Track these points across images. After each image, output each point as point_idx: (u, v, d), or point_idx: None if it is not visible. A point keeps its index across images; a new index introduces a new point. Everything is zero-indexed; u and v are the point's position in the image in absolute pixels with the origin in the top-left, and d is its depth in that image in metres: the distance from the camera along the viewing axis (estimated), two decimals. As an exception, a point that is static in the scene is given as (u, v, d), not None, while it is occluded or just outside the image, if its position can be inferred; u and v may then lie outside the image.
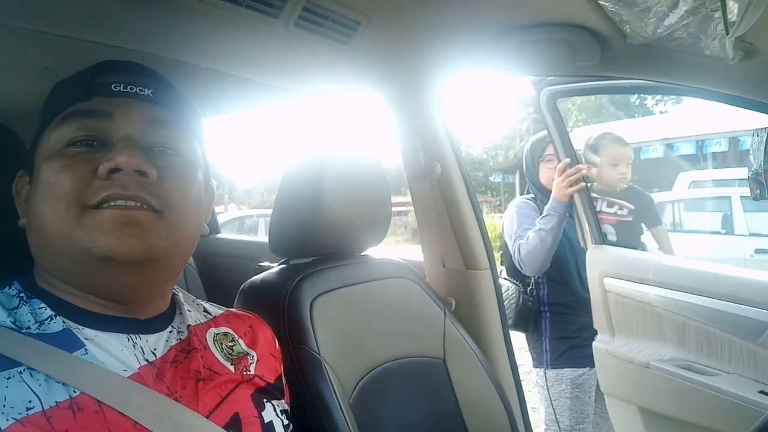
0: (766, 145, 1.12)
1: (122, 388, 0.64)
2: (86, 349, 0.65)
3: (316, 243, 1.29)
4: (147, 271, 0.70)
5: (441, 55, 1.38)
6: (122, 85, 0.73)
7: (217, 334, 0.83)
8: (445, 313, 1.34)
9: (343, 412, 1.10)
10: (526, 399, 1.68)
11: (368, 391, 1.16)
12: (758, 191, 1.17)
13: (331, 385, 1.11)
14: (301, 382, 1.09)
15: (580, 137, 2.39)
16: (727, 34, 0.95)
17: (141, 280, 0.70)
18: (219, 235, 2.61)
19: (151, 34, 1.33)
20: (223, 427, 0.71)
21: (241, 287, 1.27)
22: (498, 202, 25.51)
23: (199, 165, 0.80)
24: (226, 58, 1.41)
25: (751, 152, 1.16)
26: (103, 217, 0.64)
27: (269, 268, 1.35)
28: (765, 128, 1.15)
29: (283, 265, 1.35)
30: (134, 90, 0.74)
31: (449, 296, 1.61)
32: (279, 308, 1.16)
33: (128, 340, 0.70)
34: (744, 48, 1.03)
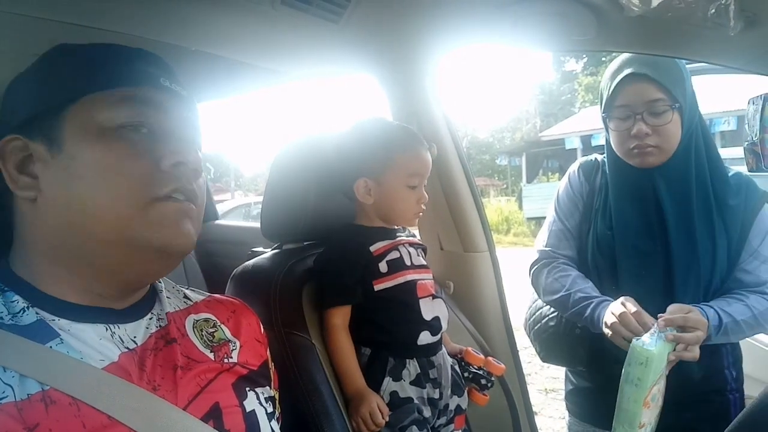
0: (761, 113, 1.08)
1: (96, 381, 0.62)
2: (61, 339, 0.64)
3: (309, 227, 1.27)
4: (177, 262, 0.75)
5: (435, 30, 1.34)
6: (168, 82, 0.75)
7: (197, 321, 0.82)
8: (442, 297, 1.32)
9: (335, 397, 1.09)
10: (529, 383, 1.65)
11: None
12: (754, 162, 1.12)
13: (323, 369, 1.10)
14: (292, 367, 1.08)
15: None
16: (727, 2, 0.91)
17: (166, 269, 0.75)
18: (217, 222, 2.59)
19: (139, 17, 1.30)
20: (203, 417, 0.69)
21: (233, 273, 1.25)
22: (505, 186, 25.46)
23: None
24: (214, 40, 1.38)
25: (746, 121, 1.12)
26: (167, 209, 0.68)
27: (262, 253, 1.34)
28: (761, 95, 1.10)
29: (276, 250, 1.33)
30: (177, 89, 0.76)
31: (447, 279, 1.59)
32: (270, 293, 1.15)
33: (106, 329, 0.68)
34: (745, 18, 0.99)
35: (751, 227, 1.33)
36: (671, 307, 1.22)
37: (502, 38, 1.32)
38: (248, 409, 0.76)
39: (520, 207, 17.20)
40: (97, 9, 1.24)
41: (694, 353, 1.20)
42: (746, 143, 1.13)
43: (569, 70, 28.62)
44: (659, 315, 1.22)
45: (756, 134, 1.08)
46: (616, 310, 1.26)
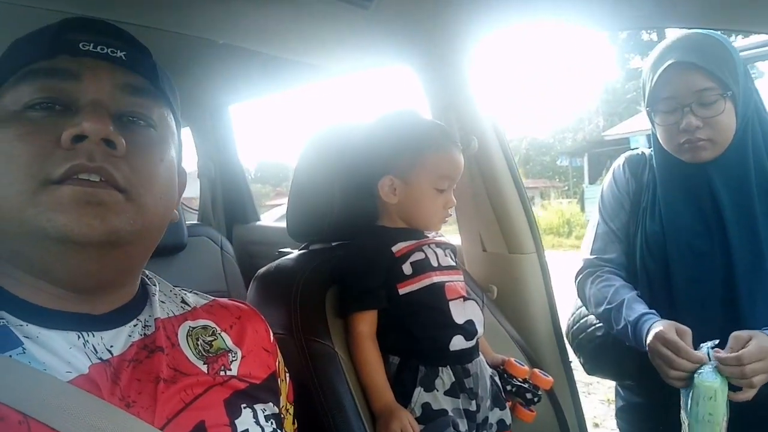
0: None
1: (55, 396, 0.55)
2: (24, 348, 0.57)
3: (336, 225, 1.18)
4: (108, 257, 0.61)
5: (474, 10, 1.23)
6: (92, 45, 0.64)
7: (194, 328, 0.73)
8: (482, 302, 1.21)
9: (359, 411, 0.99)
10: (590, 392, 1.51)
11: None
12: None
13: (347, 380, 1.01)
14: (312, 377, 0.99)
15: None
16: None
17: (101, 266, 0.62)
18: (259, 223, 2.54)
19: (160, 9, 1.25)
20: None
21: (255, 275, 1.18)
22: (566, 187, 24.80)
23: (173, 141, 0.71)
24: (238, 31, 1.32)
25: None
26: (62, 193, 0.56)
27: (290, 254, 1.26)
28: None
29: (303, 251, 1.25)
30: (105, 51, 0.65)
31: (490, 283, 1.48)
32: (291, 297, 1.07)
33: (78, 337, 0.61)
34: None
35: None
36: (730, 339, 1.07)
37: (548, 17, 1.21)
38: (240, 429, 0.67)
39: (582, 209, 16.67)
40: (112, 1, 1.20)
41: (747, 395, 1.04)
42: None
43: (634, 67, 27.57)
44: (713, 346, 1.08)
45: None
46: (660, 351, 1.10)
